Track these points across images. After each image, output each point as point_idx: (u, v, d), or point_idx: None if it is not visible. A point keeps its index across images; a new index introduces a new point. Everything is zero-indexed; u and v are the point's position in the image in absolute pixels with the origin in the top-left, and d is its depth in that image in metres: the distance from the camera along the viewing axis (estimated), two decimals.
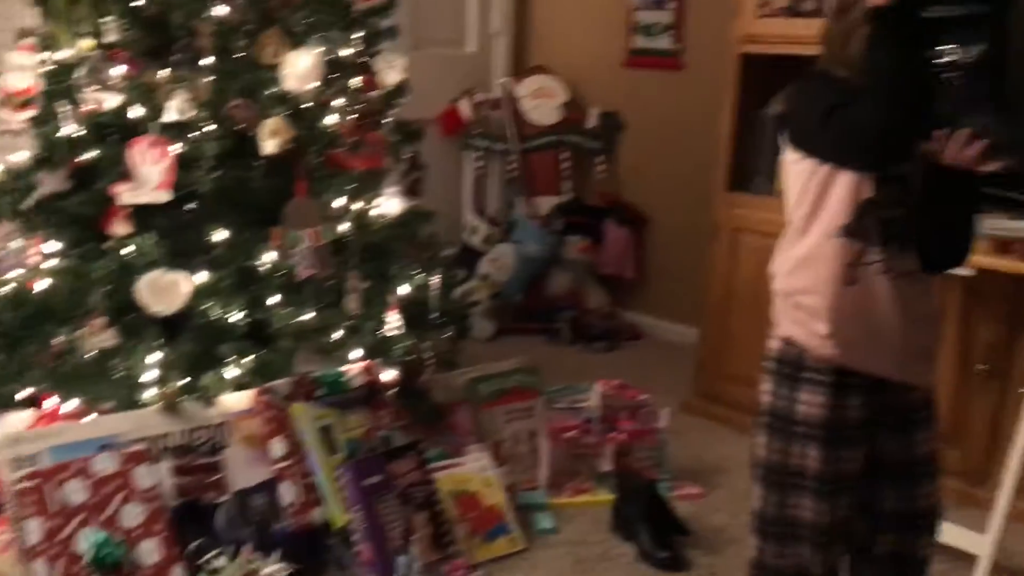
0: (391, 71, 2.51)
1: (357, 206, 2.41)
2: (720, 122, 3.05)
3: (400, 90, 2.50)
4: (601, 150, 4.14)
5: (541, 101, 4.11)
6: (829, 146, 1.49)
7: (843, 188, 1.50)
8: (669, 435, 2.86)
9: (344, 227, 2.36)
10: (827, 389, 1.57)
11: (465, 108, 4.06)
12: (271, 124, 2.21)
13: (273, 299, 2.26)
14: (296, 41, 2.31)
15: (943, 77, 1.36)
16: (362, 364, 2.33)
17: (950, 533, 2.31)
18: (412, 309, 2.54)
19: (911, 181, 1.47)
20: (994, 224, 2.29)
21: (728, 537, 2.42)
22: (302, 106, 2.28)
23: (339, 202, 2.37)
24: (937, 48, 1.37)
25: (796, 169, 1.57)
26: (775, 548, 1.65)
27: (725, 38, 3.00)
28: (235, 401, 2.16)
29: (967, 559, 2.26)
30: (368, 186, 2.43)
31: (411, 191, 2.55)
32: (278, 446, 2.12)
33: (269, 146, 2.21)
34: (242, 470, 2.11)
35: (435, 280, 2.54)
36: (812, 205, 1.54)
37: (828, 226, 1.52)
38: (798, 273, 1.58)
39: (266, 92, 2.27)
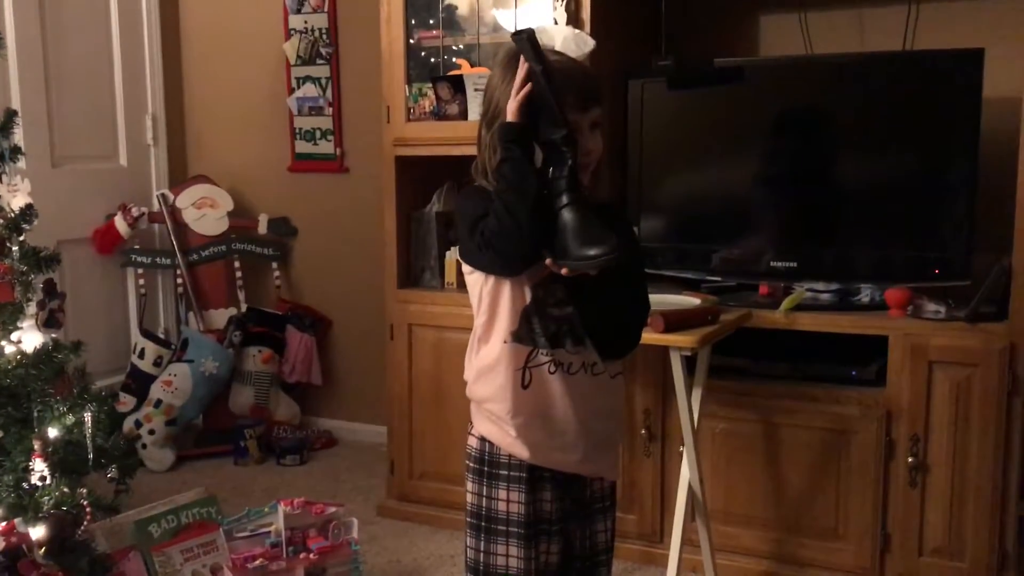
0: (15, 195, 2.28)
1: None
2: (385, 222, 3.09)
3: (27, 215, 2.28)
4: (275, 256, 4.05)
5: (205, 211, 3.96)
6: (476, 255, 1.54)
7: (508, 295, 1.56)
8: (364, 542, 2.79)
9: None
10: (524, 485, 1.60)
11: (121, 223, 3.81)
12: None
13: None
14: None
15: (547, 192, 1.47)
16: (1, 526, 2.04)
17: None
18: (63, 453, 2.29)
19: (568, 284, 1.53)
20: None
21: None
22: None
23: None
24: (547, 167, 1.49)
25: (470, 280, 1.62)
26: None
27: (380, 141, 3.07)
28: None
29: None
30: None
31: (50, 322, 2.31)
32: None
33: None
34: None
35: (88, 417, 2.30)
36: (488, 314, 1.59)
37: (503, 333, 1.57)
38: (482, 382, 1.61)
39: None
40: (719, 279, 2.83)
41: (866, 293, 2.66)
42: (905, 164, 2.63)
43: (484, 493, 1.63)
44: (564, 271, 1.46)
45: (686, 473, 2.44)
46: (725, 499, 2.67)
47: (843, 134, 2.72)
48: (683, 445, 2.44)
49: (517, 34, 1.50)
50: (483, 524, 1.63)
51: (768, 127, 2.80)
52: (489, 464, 1.63)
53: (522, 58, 1.50)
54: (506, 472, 1.61)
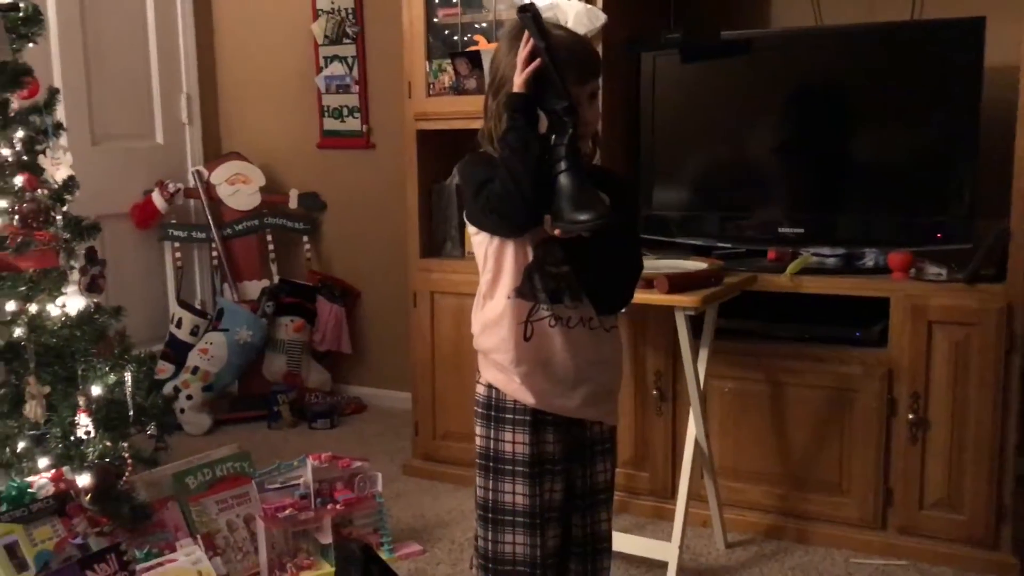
0: (58, 168, 2.44)
1: (32, 308, 2.32)
2: (407, 194, 3.22)
3: (69, 186, 2.44)
4: (305, 230, 4.20)
5: (238, 187, 4.11)
6: (481, 217, 1.67)
7: (512, 254, 1.68)
8: (390, 499, 2.93)
9: (18, 331, 2.26)
10: (527, 428, 1.72)
11: (158, 199, 3.98)
12: None
13: None
14: None
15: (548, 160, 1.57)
16: (51, 473, 2.21)
17: (642, 546, 2.56)
18: (106, 410, 2.46)
19: (567, 244, 1.64)
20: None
21: None
22: None
23: (10, 305, 2.26)
24: (549, 135, 1.59)
25: (476, 240, 1.74)
26: None
27: (404, 117, 3.19)
28: None
29: (661, 567, 2.49)
30: (42, 286, 2.33)
31: (92, 287, 2.47)
32: None
33: None
34: None
35: (128, 377, 2.47)
36: (492, 272, 1.71)
37: (507, 289, 1.69)
38: (487, 334, 1.73)
39: None
40: (729, 245, 2.92)
41: (870, 257, 2.74)
42: (909, 132, 2.70)
43: (491, 436, 1.75)
44: (557, 232, 1.57)
45: (693, 430, 2.55)
46: (733, 456, 2.78)
47: (850, 103, 2.79)
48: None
49: (522, 10, 1.60)
50: (491, 464, 1.75)
51: (776, 97, 2.88)
52: (496, 409, 1.75)
53: (526, 33, 1.60)
54: (511, 416, 1.73)
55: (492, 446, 1.75)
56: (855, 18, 2.98)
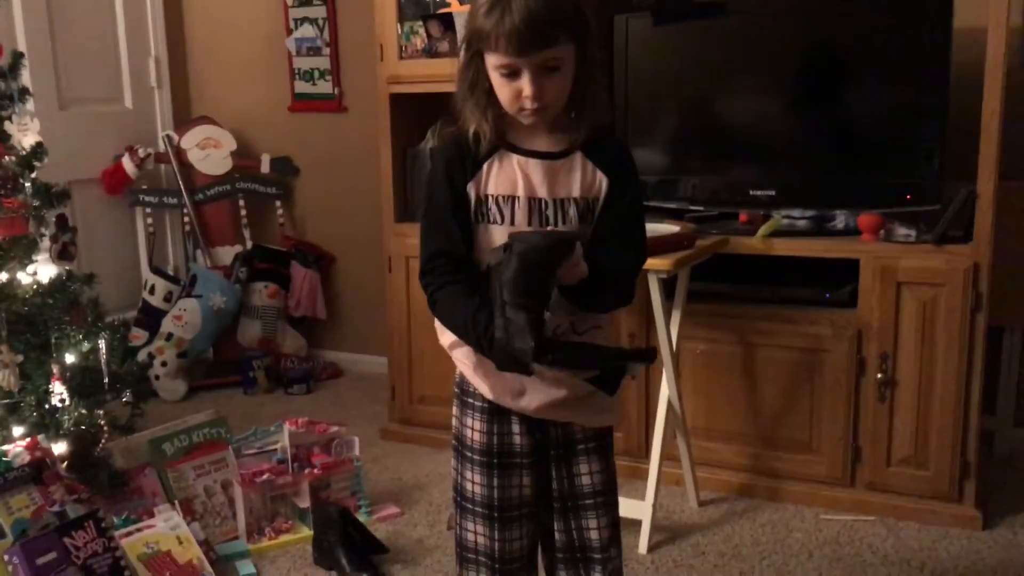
0: (26, 134, 2.41)
1: (2, 276, 2.30)
2: (381, 158, 3.20)
3: (37, 152, 2.41)
4: (278, 195, 4.17)
5: (209, 151, 4.07)
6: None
7: None
8: (368, 462, 2.95)
9: None
10: (487, 416, 1.61)
11: (129, 164, 3.93)
12: None
13: None
14: None
15: None
16: (26, 441, 2.21)
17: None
18: (81, 377, 2.45)
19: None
20: None
21: (426, 547, 2.53)
22: None
23: None
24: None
25: None
26: (461, 570, 1.67)
27: (376, 81, 3.17)
28: None
29: (635, 525, 2.53)
30: (12, 254, 2.31)
31: (63, 255, 2.46)
32: None
33: None
34: None
35: (102, 345, 2.46)
36: None
37: None
38: (447, 334, 1.59)
39: None
40: (701, 209, 2.94)
41: (841, 219, 2.77)
42: (879, 93, 2.71)
43: (460, 418, 1.65)
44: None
45: (665, 391, 2.58)
46: (706, 416, 2.82)
47: (820, 65, 2.80)
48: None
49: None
50: (458, 448, 1.66)
51: (747, 59, 2.88)
52: (462, 392, 1.65)
53: None
54: (471, 401, 1.62)
55: (460, 430, 1.65)
56: None
